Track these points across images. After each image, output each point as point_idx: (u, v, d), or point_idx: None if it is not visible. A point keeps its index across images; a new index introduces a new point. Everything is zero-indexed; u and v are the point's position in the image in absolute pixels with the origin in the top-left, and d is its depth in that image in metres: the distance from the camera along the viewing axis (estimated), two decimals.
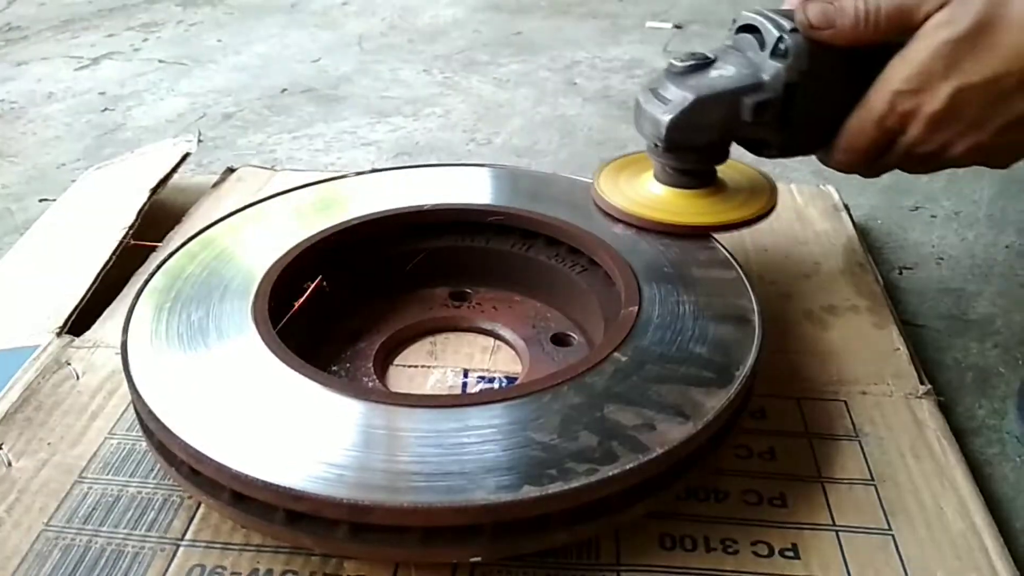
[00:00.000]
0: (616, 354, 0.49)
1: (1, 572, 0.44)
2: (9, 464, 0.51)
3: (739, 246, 0.72)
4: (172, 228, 0.76)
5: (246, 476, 0.41)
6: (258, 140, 1.10)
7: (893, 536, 0.47)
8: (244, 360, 0.49)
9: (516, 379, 0.58)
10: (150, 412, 0.45)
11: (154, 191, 0.76)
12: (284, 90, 1.26)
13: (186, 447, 0.43)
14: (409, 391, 0.58)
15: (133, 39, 1.51)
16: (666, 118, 0.55)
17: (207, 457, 0.43)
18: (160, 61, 1.40)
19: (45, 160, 1.05)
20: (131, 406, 0.53)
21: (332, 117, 1.16)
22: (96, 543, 0.46)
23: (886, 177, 0.89)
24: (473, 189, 0.68)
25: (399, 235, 0.65)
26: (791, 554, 0.46)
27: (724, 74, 0.55)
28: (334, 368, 0.58)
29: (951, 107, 0.50)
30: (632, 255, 0.58)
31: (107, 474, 0.50)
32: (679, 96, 0.55)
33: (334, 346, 0.60)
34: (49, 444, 0.53)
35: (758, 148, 0.59)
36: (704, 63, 0.56)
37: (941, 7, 0.49)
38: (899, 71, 0.51)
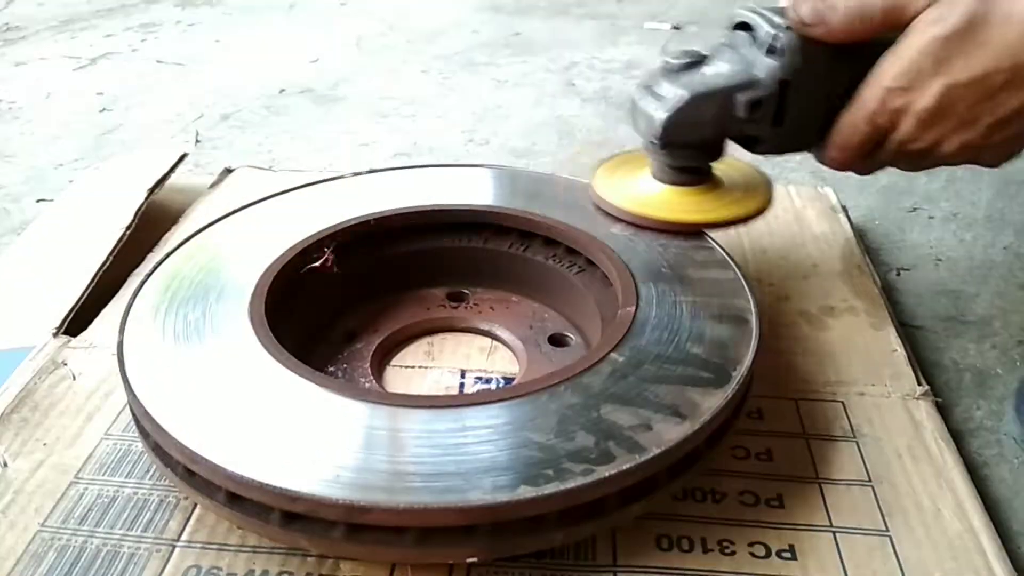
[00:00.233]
0: (613, 354, 0.49)
1: None
2: (5, 464, 0.51)
3: (737, 247, 0.72)
4: (169, 229, 0.76)
5: (242, 477, 0.41)
6: (256, 140, 1.10)
7: (890, 537, 0.47)
8: (240, 361, 0.49)
9: (513, 379, 0.58)
10: (146, 413, 0.45)
11: (152, 191, 0.76)
12: (282, 90, 1.26)
13: (182, 448, 0.43)
14: (406, 391, 0.57)
15: (131, 39, 1.51)
16: (661, 115, 0.55)
17: (203, 458, 0.42)
18: (158, 61, 1.40)
19: (43, 160, 1.05)
20: (127, 407, 0.53)
21: (330, 118, 1.16)
22: (92, 544, 0.46)
23: (884, 178, 0.90)
24: (471, 190, 0.68)
25: (396, 236, 0.65)
26: (788, 555, 0.46)
27: (718, 71, 0.55)
28: (331, 368, 0.58)
29: (941, 104, 0.51)
30: (629, 255, 0.58)
31: (103, 475, 0.50)
32: (674, 93, 0.55)
33: (331, 346, 0.60)
34: (45, 444, 0.53)
35: (752, 145, 0.59)
36: (699, 60, 0.56)
37: (931, 4, 0.49)
38: (890, 68, 0.51)
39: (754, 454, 0.52)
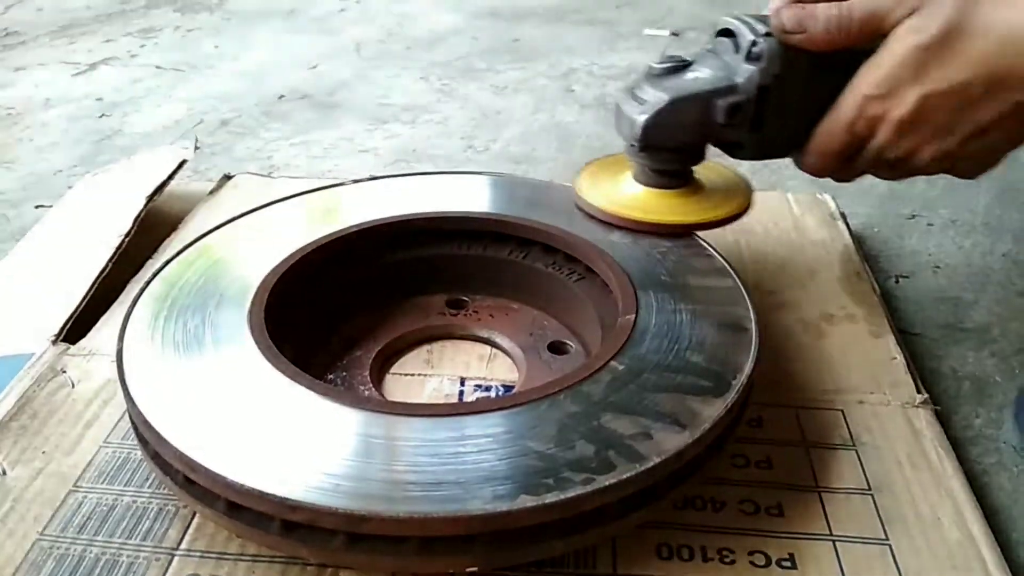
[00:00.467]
0: (613, 363, 0.49)
1: None
2: (4, 473, 0.51)
3: (736, 254, 0.72)
4: (169, 235, 0.76)
5: (241, 486, 0.41)
6: (255, 147, 1.10)
7: (890, 546, 0.47)
8: (240, 369, 0.49)
9: (513, 387, 0.58)
10: (145, 421, 0.45)
11: (151, 198, 0.76)
12: (282, 96, 1.26)
13: (181, 456, 0.43)
14: (406, 400, 0.57)
15: (131, 45, 1.51)
16: (642, 118, 0.56)
17: (202, 466, 0.42)
18: (157, 67, 1.40)
19: (42, 166, 1.05)
20: (126, 414, 0.53)
21: (330, 124, 1.16)
22: (91, 552, 0.46)
23: (882, 185, 0.90)
24: (470, 197, 0.68)
25: (396, 243, 0.65)
26: (788, 564, 0.46)
27: (699, 76, 0.57)
28: (330, 377, 0.58)
29: (918, 113, 0.51)
30: (629, 263, 0.58)
31: (102, 483, 0.50)
32: (655, 97, 0.56)
33: (330, 354, 0.60)
34: (44, 453, 0.52)
35: (732, 150, 0.60)
36: (681, 66, 0.57)
37: (911, 14, 0.50)
38: (869, 76, 0.52)
39: (754, 462, 0.52)
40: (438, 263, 0.66)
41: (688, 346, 0.51)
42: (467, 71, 1.35)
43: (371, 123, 1.16)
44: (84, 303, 0.65)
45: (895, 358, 0.61)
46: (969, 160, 0.55)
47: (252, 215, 0.65)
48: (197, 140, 0.88)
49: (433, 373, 0.60)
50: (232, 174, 0.89)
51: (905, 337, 0.66)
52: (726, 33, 0.57)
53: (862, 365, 0.61)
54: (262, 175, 0.91)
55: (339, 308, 0.63)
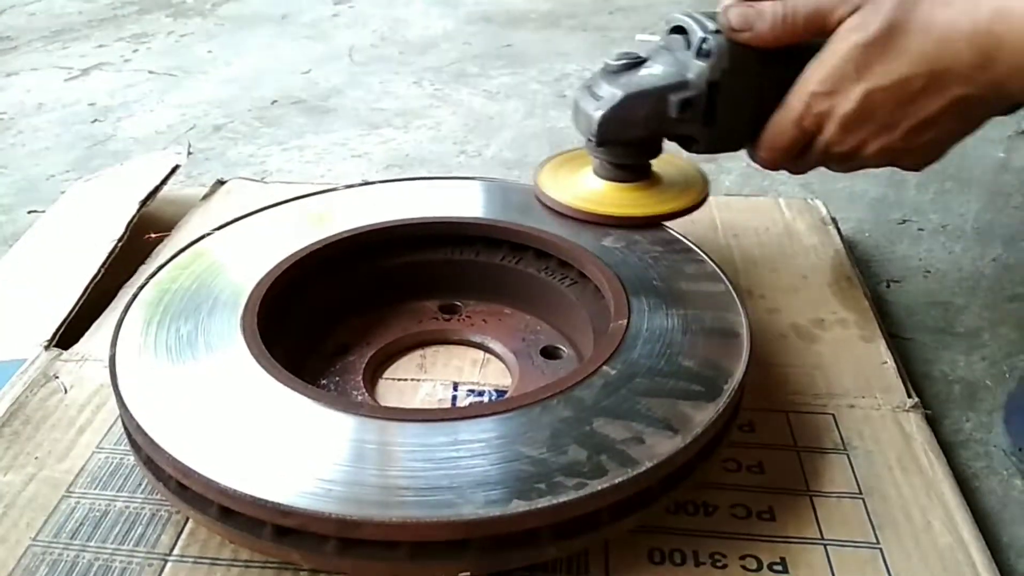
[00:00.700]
0: (605, 367, 0.49)
1: None
2: None
3: (728, 259, 0.72)
4: (162, 240, 0.76)
5: (234, 491, 0.41)
6: (248, 152, 1.10)
7: (881, 550, 0.47)
8: (233, 374, 0.49)
9: (506, 392, 0.58)
10: (138, 426, 0.45)
11: (143, 203, 0.76)
12: (274, 102, 1.26)
13: (174, 461, 0.43)
14: (399, 405, 0.57)
15: (123, 50, 1.51)
16: (597, 114, 0.58)
17: (195, 472, 0.42)
18: (150, 72, 1.40)
19: (34, 171, 1.05)
20: (119, 420, 0.53)
21: (322, 129, 1.16)
22: (83, 558, 0.46)
23: (873, 190, 0.90)
24: (463, 202, 0.68)
25: (389, 248, 0.65)
26: (779, 568, 0.46)
27: (652, 72, 0.58)
28: (323, 382, 0.58)
29: (862, 108, 0.53)
30: (621, 268, 0.58)
31: (95, 489, 0.50)
32: (610, 93, 0.58)
33: (323, 359, 0.60)
34: (36, 458, 0.52)
35: (687, 144, 0.62)
36: (636, 62, 0.59)
37: (854, 11, 0.51)
38: (815, 73, 0.54)
39: (745, 467, 0.53)
40: (431, 268, 0.66)
41: (680, 351, 0.51)
42: (460, 76, 1.35)
43: (364, 128, 1.16)
44: (77, 308, 0.65)
45: (886, 362, 0.62)
46: (913, 153, 0.56)
47: (245, 220, 0.65)
48: (190, 145, 0.88)
49: (426, 378, 0.60)
50: (225, 179, 0.89)
51: (896, 341, 0.67)
52: (679, 30, 0.59)
53: (853, 369, 0.61)
54: (255, 180, 0.91)
55: (332, 313, 0.63)
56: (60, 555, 0.46)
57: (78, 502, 0.49)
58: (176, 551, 0.46)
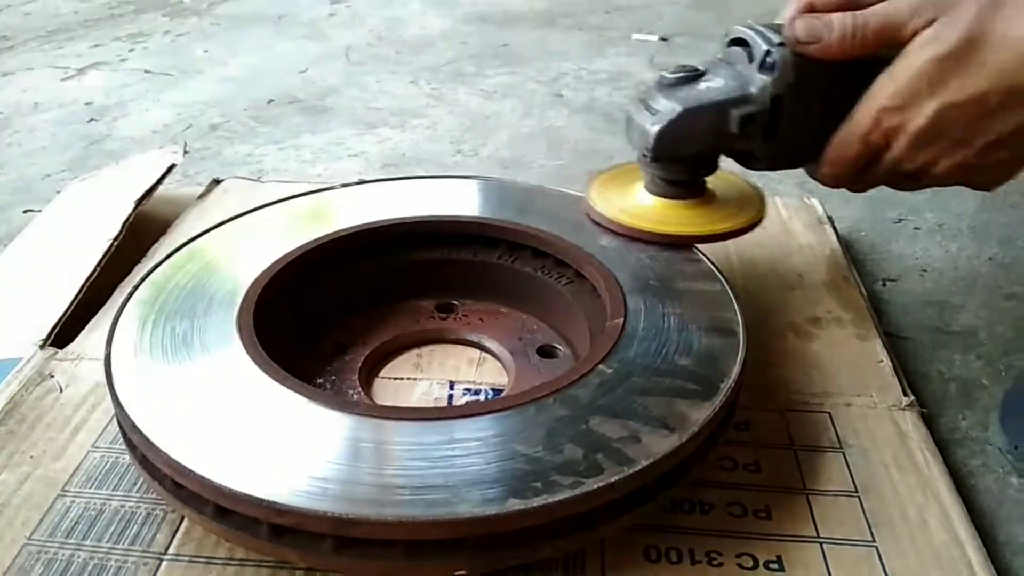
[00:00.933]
0: (602, 366, 0.49)
1: None
2: None
3: (724, 259, 0.72)
4: (157, 240, 0.76)
5: (230, 490, 0.41)
6: (245, 151, 1.09)
7: (877, 548, 0.47)
8: (228, 373, 0.49)
9: (502, 391, 0.58)
10: (133, 425, 0.45)
11: (139, 202, 0.76)
12: (271, 101, 1.26)
13: (169, 460, 0.43)
14: (395, 403, 0.57)
15: (120, 49, 1.51)
16: (654, 129, 0.56)
17: (190, 471, 0.42)
18: (146, 72, 1.40)
19: (30, 171, 1.04)
20: (114, 419, 0.53)
21: (319, 128, 1.16)
22: (79, 557, 0.46)
23: (870, 190, 0.90)
24: (460, 201, 0.68)
25: (385, 247, 0.65)
26: (776, 566, 0.46)
27: (712, 86, 0.56)
28: (319, 381, 0.58)
29: (935, 124, 0.51)
30: (618, 267, 0.58)
31: (90, 487, 0.50)
32: (667, 107, 0.55)
33: (319, 358, 0.60)
34: (32, 457, 0.52)
35: (746, 160, 0.59)
36: (694, 75, 0.56)
37: (929, 24, 0.49)
38: (885, 87, 0.52)
39: (742, 465, 0.53)
40: (427, 267, 0.66)
41: (676, 350, 0.51)
42: (456, 76, 1.35)
43: (361, 127, 1.16)
44: (72, 308, 0.65)
45: (882, 361, 0.62)
46: (986, 172, 0.54)
47: (241, 220, 0.65)
48: (186, 145, 0.88)
49: (422, 377, 0.60)
50: (221, 178, 0.89)
51: (892, 340, 0.67)
52: (739, 43, 0.57)
53: (849, 368, 0.61)
54: (251, 180, 0.91)
55: (328, 312, 0.63)
56: (55, 554, 0.46)
57: (73, 501, 0.49)
58: (171, 550, 0.46)
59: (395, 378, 0.60)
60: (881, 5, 0.51)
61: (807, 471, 0.52)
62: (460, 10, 1.69)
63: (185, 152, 0.86)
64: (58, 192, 0.88)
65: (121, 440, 0.51)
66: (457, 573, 0.43)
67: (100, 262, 0.69)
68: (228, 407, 0.47)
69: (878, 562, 0.46)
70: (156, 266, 0.59)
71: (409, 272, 0.65)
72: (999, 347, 0.69)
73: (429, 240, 0.66)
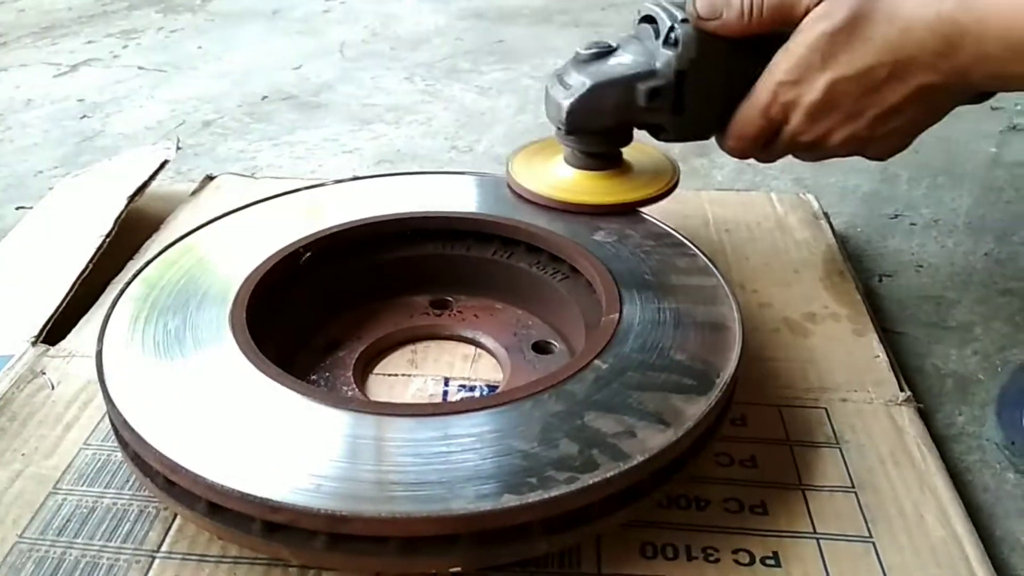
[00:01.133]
0: (597, 361, 0.49)
1: None
2: None
3: (720, 253, 0.72)
4: (150, 236, 0.76)
5: (222, 487, 0.41)
6: (238, 147, 1.09)
7: (874, 543, 0.47)
8: (221, 369, 0.49)
9: (497, 387, 0.58)
10: (125, 422, 0.45)
11: (132, 199, 0.76)
12: (265, 97, 1.26)
13: (161, 458, 0.43)
14: (389, 400, 0.57)
15: (113, 46, 1.50)
16: (566, 103, 0.59)
17: (183, 468, 0.42)
18: (140, 68, 1.39)
19: (22, 167, 1.04)
20: (106, 416, 0.53)
21: (313, 124, 1.16)
22: (70, 555, 0.45)
23: (865, 185, 0.90)
24: (455, 197, 0.68)
25: (379, 243, 0.64)
26: (772, 562, 0.46)
27: (622, 61, 0.59)
28: (313, 377, 0.58)
29: (828, 98, 0.53)
30: (613, 262, 0.58)
31: (82, 485, 0.50)
32: (579, 82, 0.59)
33: (313, 355, 0.60)
34: (23, 455, 0.52)
35: (656, 132, 0.62)
36: (606, 51, 0.60)
37: (820, 1, 0.52)
38: (781, 63, 0.54)
39: (738, 461, 0.52)
40: (422, 263, 0.65)
41: (672, 345, 0.51)
42: (451, 72, 1.35)
43: (355, 124, 1.15)
44: (64, 304, 0.64)
45: (878, 356, 0.61)
46: (879, 142, 0.57)
47: (234, 215, 0.64)
48: (179, 141, 0.88)
49: (417, 373, 0.60)
50: (214, 175, 0.88)
51: (888, 336, 0.67)
52: (648, 19, 0.59)
53: (845, 363, 0.61)
54: (245, 176, 0.90)
55: (322, 308, 0.63)
56: (47, 552, 0.45)
57: (65, 499, 0.49)
58: (164, 548, 0.46)
59: (389, 374, 0.60)
60: None
61: (803, 466, 0.52)
62: (455, 6, 1.69)
63: (178, 148, 0.85)
64: (50, 189, 0.88)
65: (113, 437, 0.50)
66: (452, 569, 0.43)
67: (92, 258, 0.68)
68: (220, 403, 0.46)
69: (875, 557, 0.46)
70: (148, 262, 0.58)
71: (403, 268, 0.65)
72: (995, 342, 0.68)
73: (423, 236, 0.65)
